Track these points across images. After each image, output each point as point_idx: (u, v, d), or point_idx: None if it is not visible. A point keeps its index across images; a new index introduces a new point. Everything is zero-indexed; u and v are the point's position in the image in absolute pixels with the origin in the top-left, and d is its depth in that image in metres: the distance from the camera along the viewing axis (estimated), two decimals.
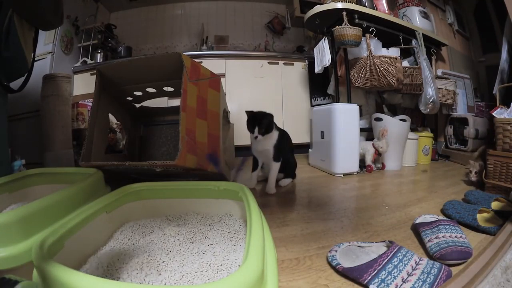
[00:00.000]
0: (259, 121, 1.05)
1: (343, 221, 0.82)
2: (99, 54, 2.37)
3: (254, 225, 0.44)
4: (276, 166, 1.13)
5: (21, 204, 0.73)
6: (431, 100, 1.74)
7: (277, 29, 2.87)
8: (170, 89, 1.15)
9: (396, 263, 0.51)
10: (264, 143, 1.10)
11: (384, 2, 1.83)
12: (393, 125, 1.61)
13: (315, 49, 1.92)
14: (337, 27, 1.55)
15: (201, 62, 1.75)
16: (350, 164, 1.50)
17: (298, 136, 2.20)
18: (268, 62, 2.29)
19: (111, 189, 0.80)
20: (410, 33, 1.83)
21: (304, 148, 1.99)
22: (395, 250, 0.55)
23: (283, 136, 1.18)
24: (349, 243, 0.62)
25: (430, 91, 1.74)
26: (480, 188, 1.12)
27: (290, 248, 0.65)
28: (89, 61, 2.29)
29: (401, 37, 1.79)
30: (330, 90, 2.07)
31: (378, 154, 1.58)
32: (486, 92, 2.38)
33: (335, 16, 1.66)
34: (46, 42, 2.04)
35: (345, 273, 0.53)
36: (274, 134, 1.12)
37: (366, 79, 1.65)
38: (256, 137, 1.05)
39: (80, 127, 1.75)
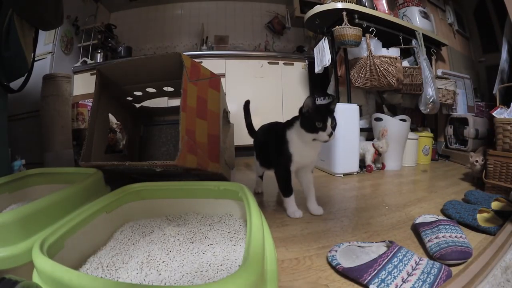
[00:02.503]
0: (330, 110, 0.78)
1: (343, 221, 0.82)
2: (99, 54, 2.37)
3: (254, 225, 0.44)
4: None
5: (21, 204, 0.73)
6: (431, 100, 1.74)
7: (277, 29, 2.87)
8: (170, 89, 1.15)
9: (396, 263, 0.51)
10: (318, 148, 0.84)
11: (384, 2, 1.83)
12: (393, 125, 1.61)
13: (315, 49, 1.92)
14: (337, 27, 1.55)
15: (201, 62, 1.75)
16: (350, 164, 1.50)
17: None
18: (268, 62, 2.29)
19: (111, 189, 0.80)
20: (410, 33, 1.83)
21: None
22: (395, 250, 0.55)
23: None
24: (349, 243, 0.62)
25: (430, 91, 1.74)
26: (480, 188, 1.12)
27: (290, 248, 0.65)
28: (89, 61, 2.29)
29: (401, 37, 1.79)
30: (330, 90, 2.07)
31: (378, 154, 1.58)
32: (486, 92, 2.38)
33: (335, 16, 1.66)
34: (46, 42, 2.04)
35: (345, 273, 0.53)
36: None
37: (366, 79, 1.65)
38: (330, 134, 0.76)
39: (80, 127, 1.75)
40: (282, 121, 0.95)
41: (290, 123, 0.84)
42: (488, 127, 1.85)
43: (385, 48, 1.69)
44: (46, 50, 2.02)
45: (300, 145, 0.81)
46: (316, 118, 0.75)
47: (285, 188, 0.85)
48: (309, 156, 0.84)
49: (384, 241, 0.61)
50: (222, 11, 2.86)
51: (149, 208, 0.70)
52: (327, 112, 0.76)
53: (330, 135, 0.76)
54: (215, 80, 1.07)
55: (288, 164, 0.83)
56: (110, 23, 2.59)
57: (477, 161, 1.18)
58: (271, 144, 0.92)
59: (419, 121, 2.09)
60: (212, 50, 2.60)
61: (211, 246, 0.54)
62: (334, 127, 0.77)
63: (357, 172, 1.53)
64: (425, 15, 2.03)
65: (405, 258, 0.53)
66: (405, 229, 0.75)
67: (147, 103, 1.34)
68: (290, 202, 0.86)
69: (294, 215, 0.84)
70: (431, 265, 0.52)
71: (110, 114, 1.18)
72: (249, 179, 1.41)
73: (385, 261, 0.52)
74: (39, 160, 1.53)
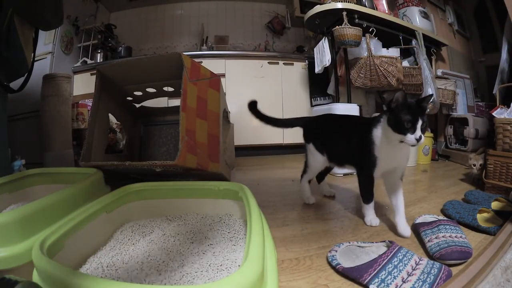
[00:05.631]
0: (423, 108, 0.67)
1: (343, 221, 0.82)
2: (99, 54, 2.37)
3: (254, 225, 0.44)
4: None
5: (21, 204, 0.73)
6: (431, 100, 1.74)
7: (277, 29, 2.87)
8: (170, 89, 1.15)
9: (396, 263, 0.51)
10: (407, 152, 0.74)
11: (384, 2, 1.83)
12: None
13: (315, 49, 1.92)
14: (337, 27, 1.55)
15: (201, 62, 1.75)
16: None
17: (298, 136, 2.21)
18: (268, 62, 2.29)
19: (111, 189, 0.80)
20: (410, 33, 1.83)
21: (304, 148, 1.99)
22: (395, 250, 0.55)
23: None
24: (349, 243, 0.62)
25: (430, 91, 1.74)
26: (480, 188, 1.12)
27: (290, 248, 0.65)
28: (89, 61, 2.29)
29: (401, 37, 1.79)
30: (330, 90, 2.07)
31: None
32: (486, 92, 2.38)
33: (335, 16, 1.66)
34: (46, 42, 2.04)
35: (345, 273, 0.53)
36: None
37: (366, 79, 1.65)
38: (419, 139, 0.64)
39: (80, 127, 1.75)
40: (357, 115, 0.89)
41: (376, 120, 0.74)
42: (488, 127, 1.85)
43: (385, 48, 1.69)
44: (46, 50, 2.02)
45: (386, 147, 0.72)
46: (405, 117, 0.65)
47: (367, 194, 0.78)
48: (396, 160, 0.74)
49: (384, 241, 0.61)
50: (222, 11, 2.86)
51: (149, 208, 0.70)
52: (419, 111, 0.66)
53: (419, 139, 0.64)
54: (215, 80, 1.07)
55: (372, 169, 0.75)
56: (110, 23, 2.59)
57: (474, 165, 1.18)
58: (349, 140, 0.83)
59: None
60: (212, 50, 2.60)
61: (211, 246, 0.54)
62: (424, 129, 0.65)
63: None
64: (425, 15, 2.03)
65: (405, 258, 0.53)
66: None
67: (147, 103, 1.34)
68: (370, 210, 0.79)
69: (371, 223, 0.77)
70: (431, 265, 0.52)
71: (110, 114, 1.18)
72: (249, 179, 1.41)
73: (385, 261, 0.52)
74: (39, 160, 1.53)
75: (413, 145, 0.66)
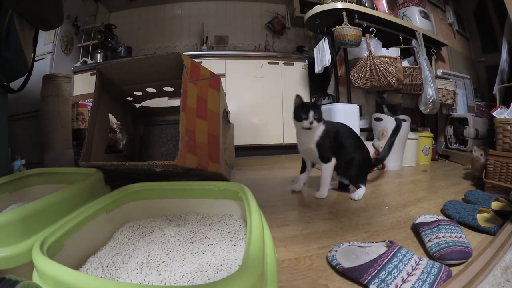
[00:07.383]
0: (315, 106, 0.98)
1: (343, 221, 0.82)
2: (99, 54, 2.37)
3: (254, 225, 0.44)
4: (325, 168, 1.06)
5: (21, 204, 0.73)
6: (431, 100, 1.74)
7: (277, 29, 2.88)
8: (170, 89, 1.15)
9: (396, 263, 0.51)
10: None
11: (384, 2, 1.84)
12: (393, 125, 1.61)
13: (315, 49, 1.93)
14: (337, 27, 1.56)
15: (201, 62, 1.76)
16: None
17: None
18: (268, 62, 2.29)
19: (111, 189, 0.80)
20: (410, 33, 1.84)
21: None
22: (395, 250, 0.55)
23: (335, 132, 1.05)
24: (349, 243, 0.62)
25: (430, 91, 1.74)
26: (480, 188, 1.12)
27: (290, 248, 0.65)
28: (89, 61, 2.29)
29: (401, 37, 1.79)
30: (330, 90, 2.07)
31: (378, 154, 1.58)
32: (486, 92, 2.38)
33: (335, 16, 1.66)
34: (46, 42, 2.04)
35: (345, 273, 0.53)
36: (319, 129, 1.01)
37: (366, 79, 1.65)
38: (310, 124, 0.95)
39: (80, 127, 1.75)
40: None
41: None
42: (488, 127, 1.85)
43: (385, 48, 1.69)
44: (46, 50, 2.02)
45: (298, 132, 1.05)
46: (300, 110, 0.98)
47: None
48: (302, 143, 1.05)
49: (384, 241, 0.61)
50: (222, 11, 2.86)
51: (149, 208, 0.70)
52: (312, 107, 0.97)
53: (311, 123, 0.96)
54: (215, 80, 1.07)
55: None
56: (110, 23, 2.59)
57: (481, 154, 1.18)
58: None
59: (419, 121, 2.09)
60: (212, 50, 2.60)
61: (211, 246, 0.54)
62: (317, 118, 0.97)
63: None
64: (425, 15, 2.04)
65: (405, 258, 0.53)
66: (405, 229, 0.75)
67: (147, 103, 1.34)
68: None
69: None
70: (431, 265, 0.52)
71: (110, 114, 1.18)
72: (249, 179, 1.41)
73: (385, 261, 0.52)
74: (39, 160, 1.53)
75: (307, 128, 0.97)
